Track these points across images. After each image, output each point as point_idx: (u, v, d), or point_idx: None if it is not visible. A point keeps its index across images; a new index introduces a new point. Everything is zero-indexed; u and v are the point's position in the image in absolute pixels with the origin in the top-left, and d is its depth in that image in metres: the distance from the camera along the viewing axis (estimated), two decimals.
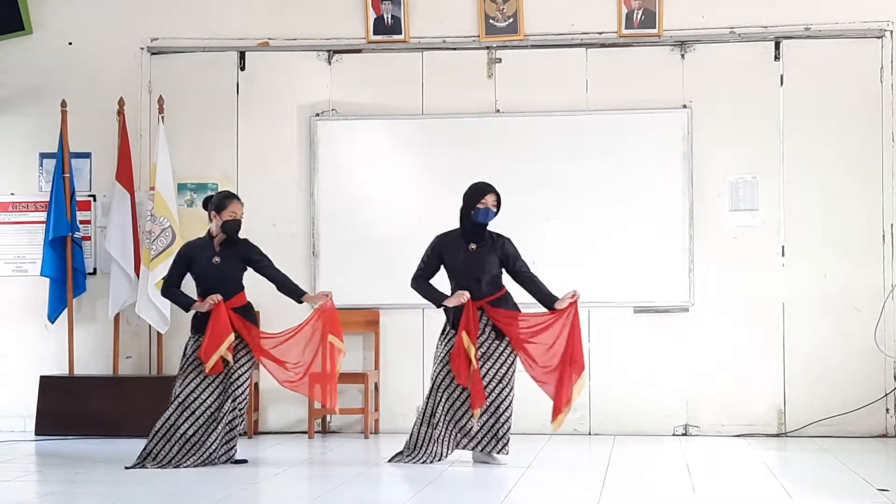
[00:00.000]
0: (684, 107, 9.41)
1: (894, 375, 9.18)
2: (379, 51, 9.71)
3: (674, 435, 9.31)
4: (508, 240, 8.00)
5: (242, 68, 9.83)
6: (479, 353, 7.83)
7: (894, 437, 9.07)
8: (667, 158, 9.37)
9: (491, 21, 9.58)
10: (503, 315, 7.86)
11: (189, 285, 8.08)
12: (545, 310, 7.91)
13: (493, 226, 8.02)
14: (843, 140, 9.31)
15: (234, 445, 7.92)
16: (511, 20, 9.56)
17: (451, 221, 9.50)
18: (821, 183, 9.32)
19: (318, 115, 9.73)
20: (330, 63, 9.75)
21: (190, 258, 8.00)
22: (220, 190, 8.49)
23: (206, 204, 8.09)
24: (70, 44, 9.94)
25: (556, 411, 7.85)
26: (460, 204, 8.03)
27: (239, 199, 8.05)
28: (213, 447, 7.81)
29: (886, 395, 9.18)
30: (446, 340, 7.92)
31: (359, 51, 9.74)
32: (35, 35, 9.92)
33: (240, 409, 7.91)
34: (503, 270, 7.98)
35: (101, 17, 9.91)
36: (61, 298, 9.59)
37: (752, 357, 9.32)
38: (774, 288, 9.32)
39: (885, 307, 9.20)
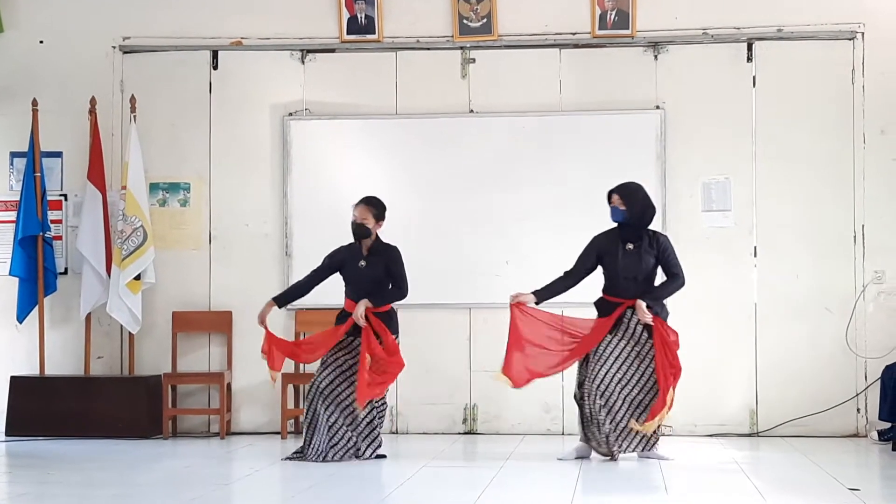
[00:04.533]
0: (657, 107, 9.44)
1: (865, 376, 9.23)
2: (353, 50, 9.69)
3: None
4: (665, 237, 8.11)
5: (215, 67, 9.79)
6: (633, 354, 7.94)
7: (865, 437, 9.12)
8: (640, 159, 9.39)
9: (465, 21, 9.58)
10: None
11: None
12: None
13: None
14: (815, 141, 9.35)
15: (378, 441, 8.10)
16: (485, 20, 9.57)
17: (424, 221, 9.52)
18: (793, 184, 9.36)
19: (291, 114, 9.70)
20: (303, 62, 9.73)
21: (341, 261, 8.22)
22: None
23: None
24: (41, 42, 9.88)
25: (655, 413, 7.90)
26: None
27: (363, 202, 8.18)
28: (355, 441, 8.05)
29: (857, 395, 9.23)
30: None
31: (332, 50, 9.72)
32: (6, 33, 9.85)
33: (378, 409, 8.10)
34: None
35: (72, 15, 9.86)
36: (30, 298, 9.53)
37: (724, 357, 9.36)
38: (747, 288, 9.36)
39: (857, 308, 9.25)
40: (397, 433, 9.52)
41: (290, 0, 9.74)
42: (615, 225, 8.10)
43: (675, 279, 8.02)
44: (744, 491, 6.96)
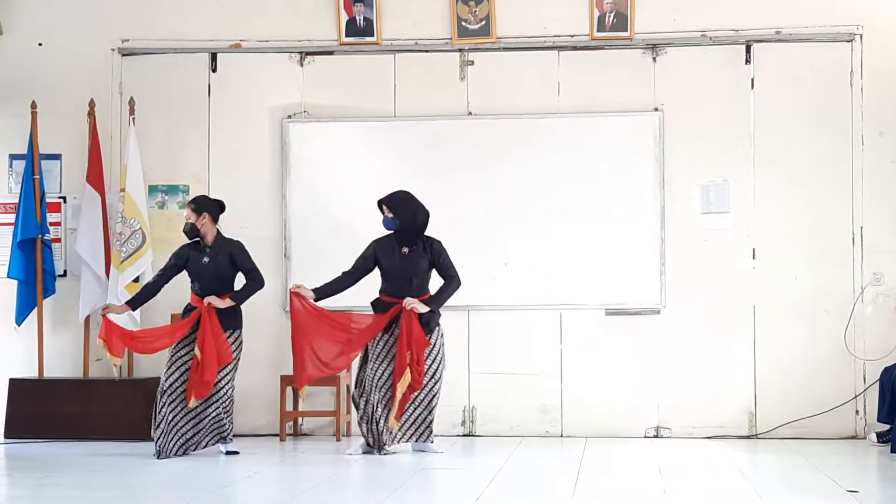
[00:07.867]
0: (656, 109, 9.44)
1: (864, 377, 9.23)
2: (351, 53, 9.70)
3: (645, 437, 9.33)
4: (439, 242, 8.45)
5: (214, 70, 9.80)
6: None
7: (864, 439, 9.11)
8: (638, 161, 9.40)
9: (463, 23, 9.58)
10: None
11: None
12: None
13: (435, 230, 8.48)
14: (814, 143, 9.36)
15: (224, 438, 8.35)
16: (483, 23, 9.57)
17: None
18: (791, 186, 9.36)
19: (289, 116, 9.71)
20: (302, 65, 9.73)
21: (186, 258, 8.46)
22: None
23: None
24: (40, 45, 9.89)
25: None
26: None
27: (187, 204, 8.51)
28: (199, 437, 8.28)
29: (856, 396, 9.23)
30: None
31: (331, 53, 9.73)
32: (5, 36, 9.85)
33: (223, 406, 8.30)
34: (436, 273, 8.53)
35: (71, 18, 9.86)
36: (29, 301, 9.53)
37: (723, 359, 9.35)
38: (745, 290, 9.35)
39: (855, 310, 9.25)
40: None
41: (289, 2, 9.75)
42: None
43: (452, 281, 8.42)
44: (742, 493, 6.96)
